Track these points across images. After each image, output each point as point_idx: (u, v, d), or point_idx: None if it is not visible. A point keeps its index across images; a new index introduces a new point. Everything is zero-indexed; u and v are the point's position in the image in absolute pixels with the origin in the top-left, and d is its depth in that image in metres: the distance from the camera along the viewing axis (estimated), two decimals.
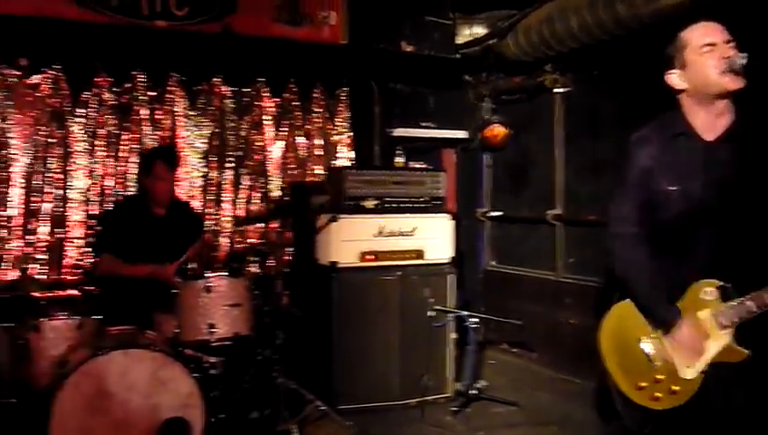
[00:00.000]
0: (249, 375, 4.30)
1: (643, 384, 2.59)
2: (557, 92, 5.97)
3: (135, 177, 5.33)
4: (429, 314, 4.92)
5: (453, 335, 5.04)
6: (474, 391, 4.97)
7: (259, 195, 5.88)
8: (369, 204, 4.88)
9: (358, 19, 5.56)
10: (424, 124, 6.26)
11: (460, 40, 6.13)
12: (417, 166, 5.38)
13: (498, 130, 6.31)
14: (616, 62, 5.27)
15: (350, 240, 4.81)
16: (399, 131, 6.13)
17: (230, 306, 3.99)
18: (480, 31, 6.11)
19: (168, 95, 5.56)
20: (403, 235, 4.95)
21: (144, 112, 5.48)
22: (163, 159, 4.56)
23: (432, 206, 5.10)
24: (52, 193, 5.21)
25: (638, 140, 2.61)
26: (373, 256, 4.87)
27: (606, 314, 2.72)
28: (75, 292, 4.64)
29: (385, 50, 5.66)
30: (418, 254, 4.98)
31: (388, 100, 6.35)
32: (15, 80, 5.12)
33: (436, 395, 4.97)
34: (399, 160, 5.45)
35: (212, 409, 3.73)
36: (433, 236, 5.04)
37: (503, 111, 6.41)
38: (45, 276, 5.11)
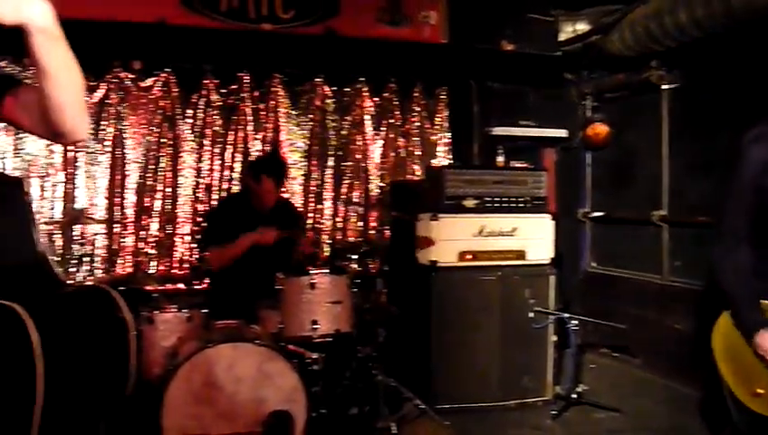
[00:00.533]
0: (349, 372, 4.36)
1: (760, 391, 2.47)
2: (664, 89, 5.77)
3: (239, 175, 5.51)
4: (530, 315, 4.85)
5: (553, 337, 4.96)
6: (574, 395, 4.87)
7: (358, 193, 5.95)
8: (470, 203, 4.86)
9: (458, 18, 5.55)
10: (523, 123, 6.16)
11: (562, 37, 6.02)
12: (518, 165, 5.30)
13: (600, 129, 6.15)
14: (728, 56, 5.05)
15: (450, 240, 4.80)
16: (499, 130, 6.04)
17: (332, 303, 4.06)
18: (583, 27, 5.98)
19: (271, 95, 5.70)
20: (503, 235, 4.90)
21: (249, 112, 5.63)
22: (271, 174, 4.66)
23: (533, 206, 5.02)
24: (162, 191, 5.44)
25: (754, 138, 2.50)
26: (472, 256, 4.84)
27: (718, 319, 2.62)
28: (183, 286, 4.84)
29: (485, 49, 5.62)
30: (519, 254, 4.92)
31: (487, 98, 6.29)
32: (130, 83, 5.37)
33: (536, 398, 4.90)
34: (500, 160, 5.39)
35: (313, 404, 3.81)
36: (534, 237, 4.97)
37: (605, 108, 6.26)
38: (155, 271, 5.35)
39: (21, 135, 5.13)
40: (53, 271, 1.55)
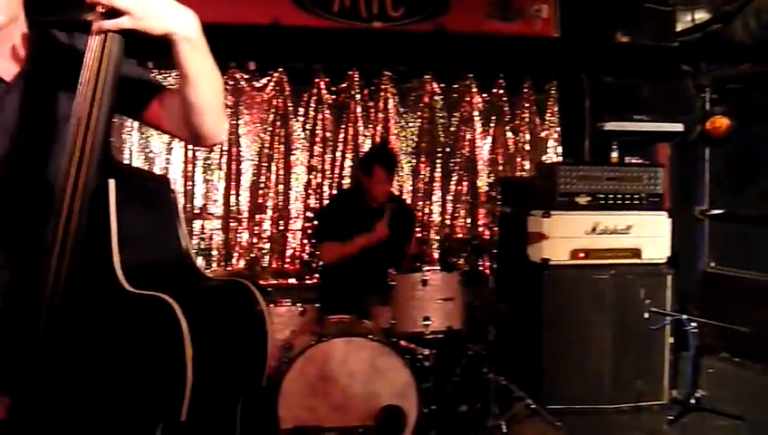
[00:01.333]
0: (460, 369, 4.35)
1: None
2: None
3: (351, 171, 5.60)
4: (645, 315, 4.70)
5: (670, 340, 4.79)
6: (692, 401, 4.68)
7: (467, 190, 5.93)
8: (583, 200, 4.76)
9: (570, 11, 5.43)
10: (637, 117, 5.97)
11: (679, 27, 5.78)
12: (633, 161, 5.15)
13: (721, 122, 5.87)
14: None
15: (563, 237, 4.71)
16: (611, 125, 5.88)
17: (444, 300, 4.07)
18: (702, 16, 5.72)
19: (380, 93, 5.75)
20: (618, 232, 4.78)
21: (358, 110, 5.70)
22: (383, 163, 4.74)
23: (649, 203, 4.88)
24: (275, 188, 5.59)
25: None
26: (585, 254, 4.74)
27: None
28: (294, 281, 4.95)
29: (598, 42, 5.48)
30: (634, 253, 4.78)
31: (598, 93, 6.13)
32: (244, 83, 5.54)
33: (651, 401, 4.75)
34: (614, 156, 5.24)
35: (424, 400, 3.83)
36: (650, 235, 4.82)
37: (725, 101, 5.97)
38: (268, 266, 5.50)
39: (145, 132, 5.39)
40: (196, 266, 1.62)
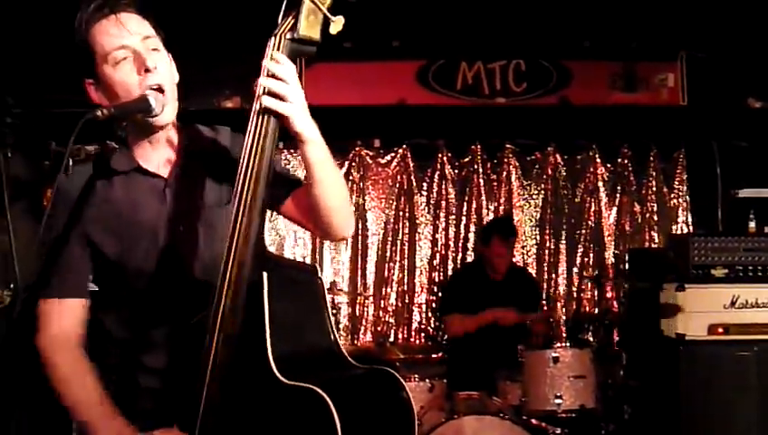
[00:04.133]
0: None
1: None
2: None
3: (473, 245, 5.63)
4: None
5: None
6: None
7: (593, 262, 5.82)
8: (719, 273, 4.55)
9: (698, 78, 5.33)
10: None
11: None
12: None
13: None
14: None
15: (699, 311, 4.52)
16: (746, 192, 5.66)
17: (575, 378, 3.97)
18: None
19: (503, 166, 5.79)
20: (759, 306, 4.52)
21: (481, 183, 5.76)
22: (500, 233, 4.78)
23: None
24: (400, 262, 5.68)
25: None
26: (724, 330, 4.51)
27: None
28: (420, 356, 4.97)
29: (729, 108, 5.34)
30: None
31: (730, 159, 5.92)
32: (370, 160, 5.73)
33: None
34: (752, 226, 5.02)
35: None
36: None
37: None
38: (394, 340, 5.56)
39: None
40: (343, 354, 1.69)
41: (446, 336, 4.90)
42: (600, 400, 4.12)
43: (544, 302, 5.60)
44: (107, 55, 1.68)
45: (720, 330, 4.52)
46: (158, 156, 1.81)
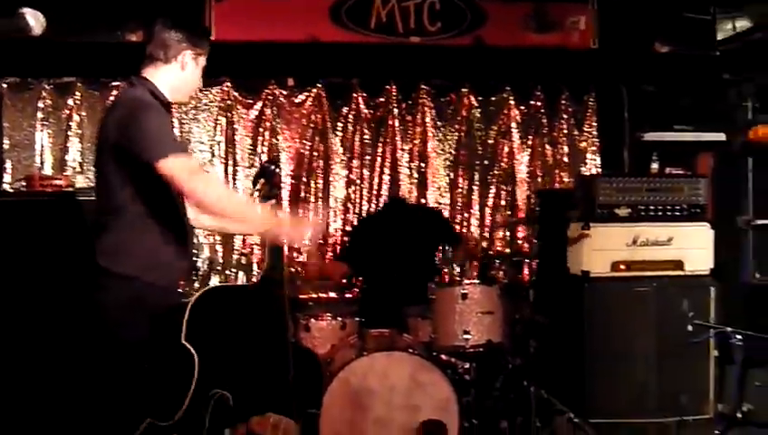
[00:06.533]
0: (500, 383, 4.33)
1: None
2: None
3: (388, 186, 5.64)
4: (688, 328, 4.63)
5: (714, 353, 4.71)
6: (738, 415, 4.59)
7: (506, 203, 5.92)
8: (623, 212, 4.71)
9: (608, 22, 5.41)
10: (678, 127, 5.91)
11: (719, 36, 5.72)
12: (674, 172, 5.09)
13: (764, 131, 5.78)
14: None
15: (603, 250, 4.67)
16: (651, 136, 5.83)
17: (483, 314, 4.06)
18: (744, 24, 5.66)
19: (418, 107, 5.78)
20: (659, 244, 4.71)
21: (396, 124, 5.74)
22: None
23: (691, 214, 4.80)
24: (314, 203, 5.64)
25: None
26: (626, 266, 4.69)
27: None
28: (334, 294, 4.96)
29: (638, 52, 5.45)
30: (676, 265, 4.70)
31: (638, 103, 6.08)
32: (283, 99, 5.62)
33: (696, 416, 4.65)
34: (654, 167, 5.19)
35: (465, 414, 3.82)
36: (692, 247, 4.74)
37: None
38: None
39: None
40: None
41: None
42: (507, 335, 4.23)
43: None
44: None
45: (622, 267, 4.69)
46: None
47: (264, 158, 5.57)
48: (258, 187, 2.81)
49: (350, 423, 3.64)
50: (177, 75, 2.71)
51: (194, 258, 5.42)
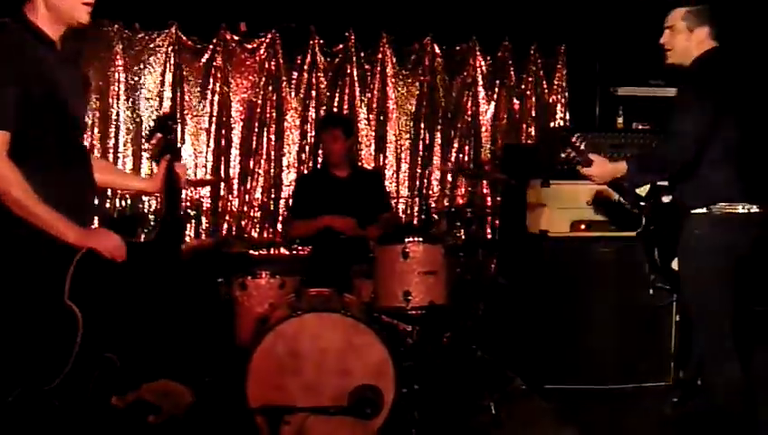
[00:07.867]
0: (445, 347, 4.13)
1: None
2: None
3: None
4: (650, 291, 4.42)
5: (676, 318, 4.52)
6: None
7: (469, 158, 5.68)
8: None
9: None
10: (653, 82, 5.65)
11: None
12: (641, 127, 4.85)
13: None
14: None
15: (562, 208, 4.45)
16: (624, 90, 5.58)
17: (426, 274, 3.82)
18: None
19: (378, 56, 5.52)
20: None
21: (355, 73, 5.48)
22: (331, 124, 4.64)
23: None
24: (267, 154, 5.39)
25: None
26: (586, 226, 4.47)
27: None
28: (286, 252, 4.74)
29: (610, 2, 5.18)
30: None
31: (610, 57, 5.81)
32: (235, 45, 5.34)
33: (656, 382, 4.49)
34: (620, 121, 4.95)
35: (405, 379, 3.61)
36: None
37: None
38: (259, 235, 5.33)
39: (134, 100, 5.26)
40: None
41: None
42: (453, 296, 4.00)
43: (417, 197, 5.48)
44: None
45: (582, 226, 4.48)
46: None
47: (216, 108, 5.33)
48: (154, 141, 2.56)
49: (278, 387, 3.42)
50: None
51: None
